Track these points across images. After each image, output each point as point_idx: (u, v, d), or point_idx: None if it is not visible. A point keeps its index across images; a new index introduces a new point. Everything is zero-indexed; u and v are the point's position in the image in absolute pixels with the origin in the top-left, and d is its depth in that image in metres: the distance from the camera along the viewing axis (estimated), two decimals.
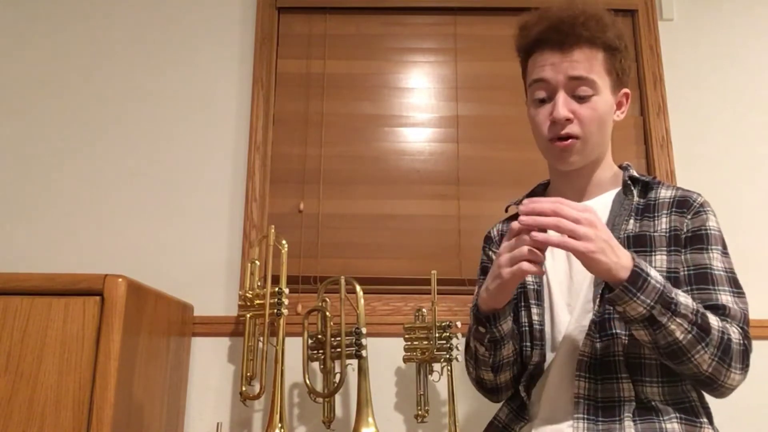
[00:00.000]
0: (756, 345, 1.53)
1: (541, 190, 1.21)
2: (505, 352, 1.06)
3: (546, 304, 1.07)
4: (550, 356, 1.05)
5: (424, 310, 1.56)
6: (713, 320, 0.92)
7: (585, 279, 1.04)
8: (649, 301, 0.87)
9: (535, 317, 1.07)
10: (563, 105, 1.03)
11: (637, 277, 0.87)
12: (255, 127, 1.78)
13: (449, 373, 1.47)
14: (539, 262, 0.91)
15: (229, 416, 1.60)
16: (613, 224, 1.05)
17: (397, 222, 1.75)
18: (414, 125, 1.83)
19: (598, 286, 1.02)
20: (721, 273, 0.99)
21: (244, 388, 1.49)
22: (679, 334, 0.89)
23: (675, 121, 1.80)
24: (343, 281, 1.55)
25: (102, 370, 1.15)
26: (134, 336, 1.25)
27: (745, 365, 0.94)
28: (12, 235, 1.73)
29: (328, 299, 1.54)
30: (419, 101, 1.85)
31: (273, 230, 1.54)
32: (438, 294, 1.51)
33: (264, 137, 1.78)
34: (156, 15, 1.89)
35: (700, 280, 0.99)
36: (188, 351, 1.61)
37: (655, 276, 0.89)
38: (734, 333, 0.93)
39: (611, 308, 0.99)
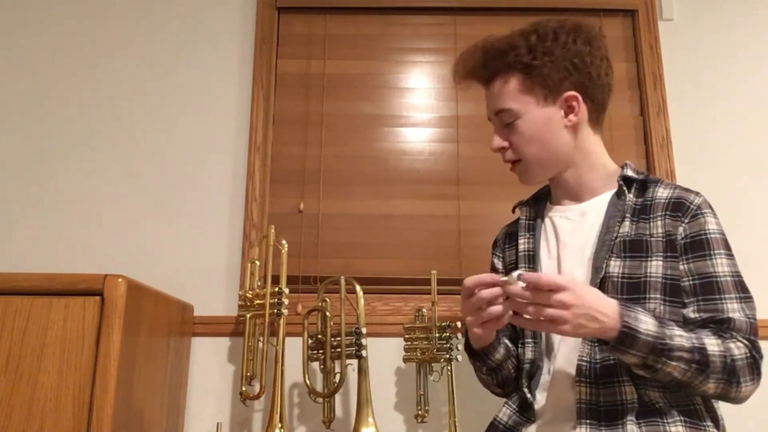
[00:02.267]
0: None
1: (546, 191, 1.22)
2: (505, 372, 1.11)
3: None
4: (546, 358, 1.05)
5: (424, 310, 1.56)
6: (713, 348, 0.91)
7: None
8: (641, 354, 0.89)
9: None
10: (496, 137, 1.13)
11: (625, 337, 0.88)
12: (255, 127, 1.78)
13: (449, 373, 1.47)
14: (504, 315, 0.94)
15: (229, 416, 1.60)
16: (607, 227, 1.04)
17: (397, 222, 1.75)
18: (414, 125, 1.83)
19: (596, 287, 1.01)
20: (727, 279, 0.97)
21: (244, 388, 1.49)
22: (677, 374, 0.90)
23: (675, 121, 1.80)
24: (343, 281, 1.55)
25: (102, 370, 1.15)
26: (134, 336, 1.25)
27: (754, 376, 0.93)
28: (12, 235, 1.73)
29: (328, 299, 1.54)
30: (419, 101, 1.85)
31: (273, 230, 1.54)
32: (438, 294, 1.51)
33: (264, 137, 1.78)
34: (155, 15, 1.89)
35: (706, 290, 0.97)
36: (188, 351, 1.61)
37: (646, 329, 0.89)
38: (738, 349, 0.92)
39: None
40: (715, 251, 0.99)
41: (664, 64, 1.84)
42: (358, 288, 1.50)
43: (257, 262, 1.56)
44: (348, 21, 1.91)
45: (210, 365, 1.63)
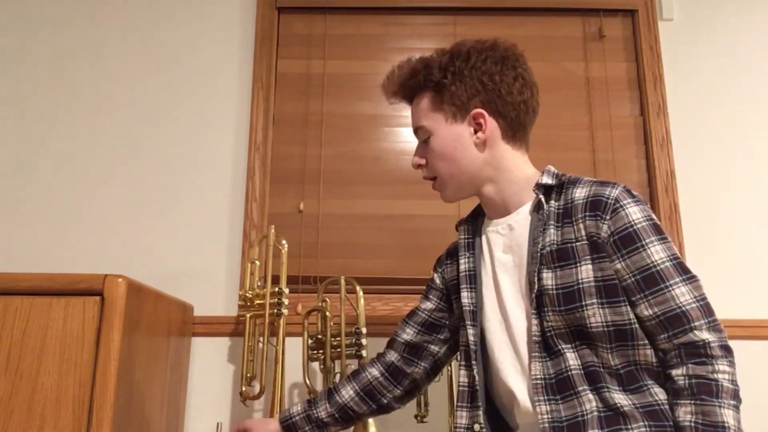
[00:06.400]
0: (757, 345, 1.53)
1: (480, 209, 1.20)
2: (366, 408, 1.20)
3: (490, 364, 1.07)
4: (492, 381, 1.06)
5: None
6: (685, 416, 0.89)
7: (523, 327, 1.02)
8: None
9: (476, 376, 1.06)
10: (415, 154, 1.15)
11: None
12: (255, 127, 1.78)
13: (449, 373, 1.47)
14: None
15: (229, 416, 1.60)
16: (533, 238, 1.03)
17: (397, 222, 1.75)
18: None
19: (533, 302, 0.99)
20: (667, 265, 0.95)
21: (244, 388, 1.49)
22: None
23: (675, 121, 1.81)
24: (343, 281, 1.55)
25: (102, 370, 1.15)
26: (134, 336, 1.25)
27: (726, 362, 0.90)
28: (12, 235, 1.73)
29: (328, 299, 1.54)
30: None
31: (273, 230, 1.54)
32: None
33: (264, 137, 1.78)
34: (156, 15, 1.89)
35: (650, 282, 0.95)
36: (188, 351, 1.61)
37: None
38: (699, 369, 0.90)
39: (550, 325, 0.98)
40: (646, 241, 0.96)
41: (664, 64, 1.85)
42: (358, 288, 1.51)
43: (257, 262, 1.56)
44: (348, 21, 1.91)
45: (210, 365, 1.63)
